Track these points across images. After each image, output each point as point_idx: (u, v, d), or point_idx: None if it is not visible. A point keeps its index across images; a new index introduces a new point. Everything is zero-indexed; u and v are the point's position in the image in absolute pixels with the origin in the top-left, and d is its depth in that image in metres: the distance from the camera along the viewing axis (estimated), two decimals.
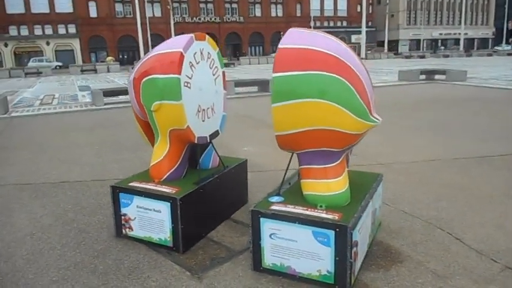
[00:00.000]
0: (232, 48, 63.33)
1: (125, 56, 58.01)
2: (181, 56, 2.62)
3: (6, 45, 51.36)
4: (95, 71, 31.28)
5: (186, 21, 61.90)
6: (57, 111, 10.14)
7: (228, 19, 63.98)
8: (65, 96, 13.95)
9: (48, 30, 54.89)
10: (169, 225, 2.67)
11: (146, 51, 50.55)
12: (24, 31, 53.38)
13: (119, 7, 58.57)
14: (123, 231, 2.90)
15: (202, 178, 2.91)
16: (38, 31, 54.28)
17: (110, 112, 9.76)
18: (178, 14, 61.44)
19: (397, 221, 3.09)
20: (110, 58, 48.65)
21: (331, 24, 70.37)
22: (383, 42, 60.70)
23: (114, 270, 2.51)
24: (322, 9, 69.59)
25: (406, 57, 43.27)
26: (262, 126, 6.95)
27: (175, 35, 48.52)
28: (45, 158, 5.34)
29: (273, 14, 67.34)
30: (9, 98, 12.67)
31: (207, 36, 2.90)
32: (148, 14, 51.15)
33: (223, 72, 3.13)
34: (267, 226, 2.34)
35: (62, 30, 55.96)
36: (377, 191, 2.75)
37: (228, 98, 3.34)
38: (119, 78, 23.59)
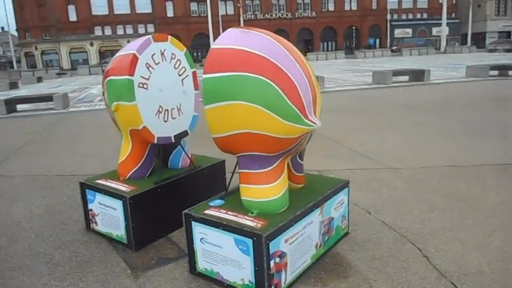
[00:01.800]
0: (305, 43, 62.75)
1: (199, 53, 60.19)
2: (134, 58, 2.66)
3: (92, 44, 55.92)
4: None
5: (258, 18, 62.68)
6: None
7: (300, 14, 63.61)
8: None
9: (129, 30, 58.78)
10: (123, 223, 2.75)
11: None
12: (108, 31, 57.79)
13: (193, 6, 60.97)
14: (91, 225, 3.04)
15: (164, 178, 2.94)
16: (120, 31, 58.41)
17: None
18: (250, 11, 62.39)
19: (368, 232, 2.87)
20: None
21: (410, 16, 66.85)
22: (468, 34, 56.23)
23: (66, 262, 2.64)
24: (400, 1, 66.32)
25: (490, 50, 39.67)
26: None
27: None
28: (71, 151, 5.76)
29: (347, 8, 65.58)
30: (76, 94, 13.81)
31: (169, 37, 2.91)
32: (222, 12, 52.56)
33: (194, 72, 3.12)
34: (198, 230, 2.31)
35: (141, 29, 59.55)
36: (334, 198, 2.58)
37: None
38: None
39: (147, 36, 2.79)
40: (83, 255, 2.73)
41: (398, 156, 4.75)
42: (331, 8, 64.80)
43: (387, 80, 12.83)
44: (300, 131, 2.11)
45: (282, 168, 2.31)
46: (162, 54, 2.85)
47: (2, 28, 60.54)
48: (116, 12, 57.41)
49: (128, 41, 55.36)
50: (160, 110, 2.86)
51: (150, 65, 2.76)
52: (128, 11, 58.10)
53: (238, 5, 49.43)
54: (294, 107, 2.06)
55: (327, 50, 58.04)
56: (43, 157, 5.50)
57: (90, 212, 3.01)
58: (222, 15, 50.19)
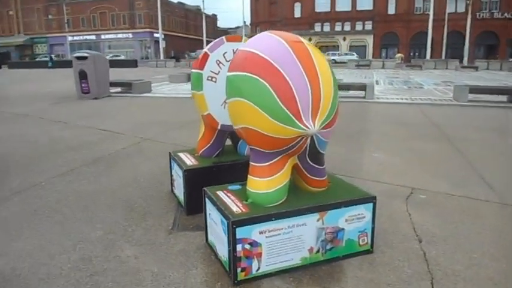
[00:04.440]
0: None
1: (416, 53, 56.94)
2: (205, 55, 3.16)
3: (310, 39, 59.55)
4: (368, 66, 32.58)
5: (495, 17, 54.83)
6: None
7: None
8: None
9: (347, 27, 60.02)
10: (182, 190, 3.33)
11: (438, 49, 48.30)
12: (327, 27, 60.44)
13: (418, 3, 57.62)
14: (172, 188, 3.75)
15: (223, 160, 3.38)
16: (338, 27, 60.29)
17: None
18: (486, 9, 55.05)
19: (394, 257, 2.65)
20: (399, 55, 48.85)
21: None
22: None
23: (137, 209, 3.41)
24: None
25: None
26: (417, 137, 6.25)
27: (472, 32, 44.02)
28: None
29: None
30: None
31: (244, 38, 3.28)
32: (450, 9, 48.01)
33: None
34: (208, 206, 2.68)
35: (359, 26, 60.02)
36: (346, 210, 2.52)
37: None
38: (376, 75, 23.91)
39: (222, 37, 3.24)
40: (152, 207, 3.45)
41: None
42: None
43: None
44: (291, 133, 2.20)
45: (280, 166, 2.43)
46: (234, 53, 3.25)
47: (245, 22, 70.45)
48: (337, 9, 59.33)
49: (344, 38, 56.37)
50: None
51: (220, 62, 3.21)
52: (349, 8, 59.23)
53: (468, 1, 44.16)
54: (285, 109, 2.17)
55: None
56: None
57: (172, 177, 3.71)
58: (449, 13, 45.74)
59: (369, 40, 59.51)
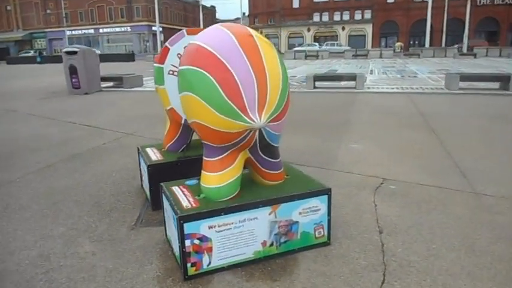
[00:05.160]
0: None
1: (416, 42, 56.61)
2: (165, 48, 3.15)
3: (309, 30, 59.34)
4: (366, 56, 32.40)
5: (496, 3, 54.38)
6: None
7: None
8: None
9: (346, 16, 59.65)
10: (147, 185, 3.33)
11: (438, 37, 47.88)
12: (325, 17, 60.07)
13: None
14: (142, 183, 3.75)
15: (187, 155, 3.38)
16: (336, 17, 59.92)
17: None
18: None
19: (350, 248, 2.65)
20: (398, 44, 48.60)
21: None
22: None
23: (104, 201, 3.42)
24: None
25: None
26: (401, 127, 6.22)
27: (472, 19, 43.51)
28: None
29: None
30: None
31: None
32: None
33: None
34: (164, 202, 2.68)
35: (357, 16, 59.62)
36: (300, 202, 2.52)
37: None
38: (372, 64, 23.78)
39: (182, 30, 3.22)
40: (119, 203, 3.46)
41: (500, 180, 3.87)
42: None
43: None
44: (238, 126, 2.19)
45: (231, 160, 2.43)
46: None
47: (244, 13, 70.10)
48: None
49: (343, 28, 56.15)
50: None
51: (181, 55, 3.18)
52: None
53: None
54: (230, 103, 2.15)
55: None
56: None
57: (140, 172, 3.72)
58: (449, 0, 45.27)
59: (368, 29, 59.13)
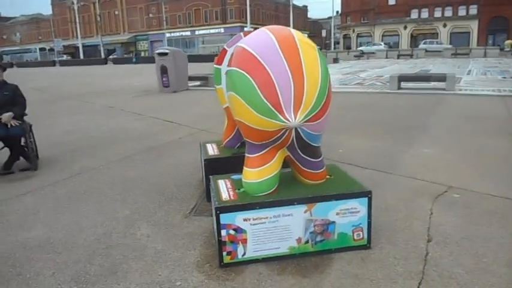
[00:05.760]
0: None
1: None
2: (223, 50, 3.33)
3: (405, 27, 56.32)
4: (467, 55, 29.85)
5: None
6: None
7: None
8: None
9: (448, 12, 55.45)
10: (204, 177, 3.56)
11: None
12: (424, 14, 56.46)
13: None
14: (202, 175, 4.00)
15: (242, 151, 3.53)
16: (437, 13, 55.96)
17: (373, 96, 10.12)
18: None
19: (391, 254, 2.59)
20: (508, 42, 43.79)
21: None
22: None
23: (165, 190, 3.73)
24: None
25: None
26: (485, 133, 5.68)
27: None
28: None
29: None
30: (340, 76, 14.93)
31: None
32: None
33: None
34: (211, 193, 2.86)
35: (462, 11, 55.06)
36: (337, 203, 2.52)
37: None
38: (473, 64, 21.80)
39: (240, 33, 3.37)
40: (180, 193, 3.75)
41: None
42: None
43: None
44: (273, 125, 2.29)
45: (270, 157, 2.52)
46: None
47: (337, 12, 69.04)
48: None
49: (444, 25, 52.42)
50: None
51: None
52: None
53: None
54: (267, 103, 2.26)
55: None
56: None
57: (201, 165, 3.97)
58: None
59: (473, 26, 54.27)
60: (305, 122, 2.29)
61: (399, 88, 11.21)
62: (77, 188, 4.03)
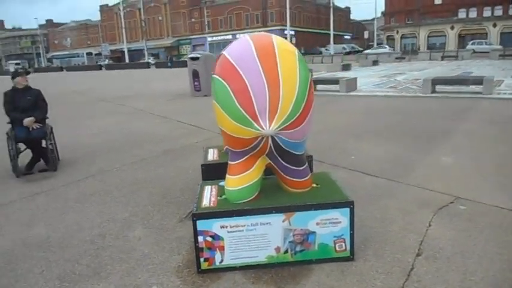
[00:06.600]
0: None
1: None
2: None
3: (452, 27, 54.01)
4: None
5: None
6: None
7: None
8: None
9: (498, 12, 52.67)
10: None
11: None
12: (473, 13, 53.93)
13: None
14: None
15: None
16: (486, 13, 53.31)
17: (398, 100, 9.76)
18: None
19: (374, 267, 2.51)
20: None
21: None
22: None
23: (168, 191, 3.82)
24: None
25: None
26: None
27: None
28: None
29: None
30: (373, 79, 14.52)
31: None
32: None
33: None
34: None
35: None
36: (317, 213, 2.48)
37: None
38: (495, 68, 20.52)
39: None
40: (182, 197, 3.82)
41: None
42: None
43: None
44: (248, 133, 2.30)
45: (249, 165, 2.52)
46: None
47: (382, 13, 67.50)
48: None
49: (494, 25, 49.85)
50: None
51: None
52: None
53: None
54: (242, 110, 2.26)
55: None
56: None
57: None
58: None
59: None
60: (281, 129, 2.27)
61: (433, 92, 10.79)
62: (87, 189, 4.21)
